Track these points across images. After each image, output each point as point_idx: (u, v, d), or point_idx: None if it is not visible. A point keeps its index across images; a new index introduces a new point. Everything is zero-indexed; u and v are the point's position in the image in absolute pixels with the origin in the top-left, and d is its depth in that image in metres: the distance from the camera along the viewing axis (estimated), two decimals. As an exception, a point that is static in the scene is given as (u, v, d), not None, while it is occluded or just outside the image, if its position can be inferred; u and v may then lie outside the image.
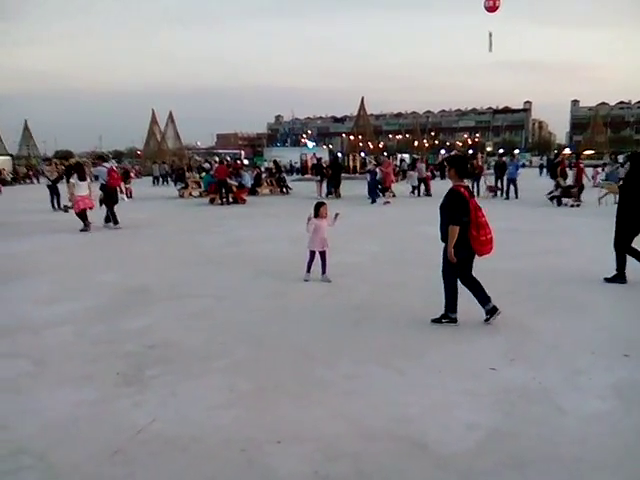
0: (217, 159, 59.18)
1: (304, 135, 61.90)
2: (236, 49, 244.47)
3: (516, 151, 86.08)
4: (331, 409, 3.51)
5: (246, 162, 52.45)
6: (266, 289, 6.74)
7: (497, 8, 30.52)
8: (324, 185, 21.53)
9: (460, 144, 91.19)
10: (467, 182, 5.35)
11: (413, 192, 21.64)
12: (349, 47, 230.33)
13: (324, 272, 6.99)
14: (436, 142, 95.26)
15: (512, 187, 18.98)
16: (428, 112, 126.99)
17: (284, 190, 23.84)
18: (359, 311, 5.70)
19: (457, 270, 5.02)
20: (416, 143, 71.60)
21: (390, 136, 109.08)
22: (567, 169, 18.17)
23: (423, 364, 4.25)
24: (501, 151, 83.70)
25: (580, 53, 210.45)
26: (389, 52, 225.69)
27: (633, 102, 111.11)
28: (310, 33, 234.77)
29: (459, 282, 5.13)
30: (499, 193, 19.86)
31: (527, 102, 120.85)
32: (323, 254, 7.04)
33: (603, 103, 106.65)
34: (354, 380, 3.95)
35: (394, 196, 19.65)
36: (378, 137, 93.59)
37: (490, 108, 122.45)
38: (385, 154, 49.40)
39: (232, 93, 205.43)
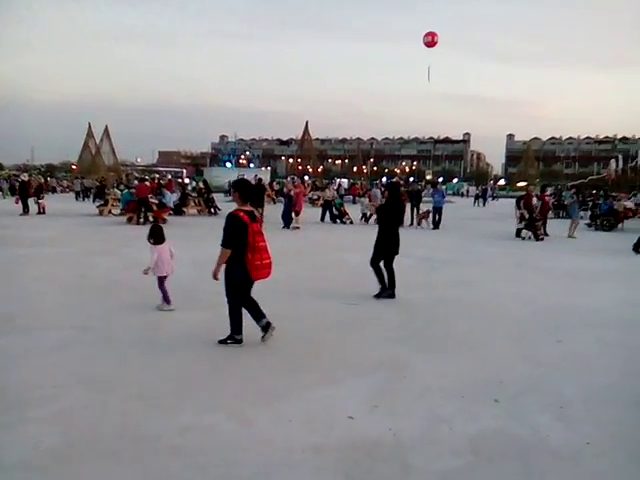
0: (157, 176, 57.69)
1: (242, 156, 61.29)
2: (184, 68, 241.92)
3: (454, 180, 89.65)
4: (145, 472, 2.98)
5: (187, 180, 51.27)
6: (139, 318, 6.15)
7: (435, 44, 31.66)
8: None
9: (398, 171, 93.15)
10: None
11: (362, 219, 20.20)
12: (298, 72, 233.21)
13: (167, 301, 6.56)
14: (376, 169, 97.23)
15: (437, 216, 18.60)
16: (372, 139, 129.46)
17: (212, 210, 23.14)
18: (227, 346, 5.18)
19: (238, 292, 5.10)
20: (356, 169, 72.58)
21: (336, 161, 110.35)
22: (534, 200, 17.23)
23: (276, 411, 3.78)
24: (440, 179, 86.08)
25: (517, 90, 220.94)
26: (337, 78, 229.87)
27: (564, 138, 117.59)
28: (260, 56, 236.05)
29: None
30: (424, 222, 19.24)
31: (466, 134, 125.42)
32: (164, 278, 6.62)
33: (536, 138, 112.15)
34: (188, 433, 3.44)
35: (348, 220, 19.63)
36: (322, 161, 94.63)
37: (431, 138, 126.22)
38: (325, 179, 49.55)
39: (178, 111, 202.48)
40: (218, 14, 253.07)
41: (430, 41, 31.51)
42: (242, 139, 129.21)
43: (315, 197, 33.74)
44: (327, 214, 20.34)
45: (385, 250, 7.35)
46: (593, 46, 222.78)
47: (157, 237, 6.58)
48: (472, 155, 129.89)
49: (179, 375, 4.43)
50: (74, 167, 61.51)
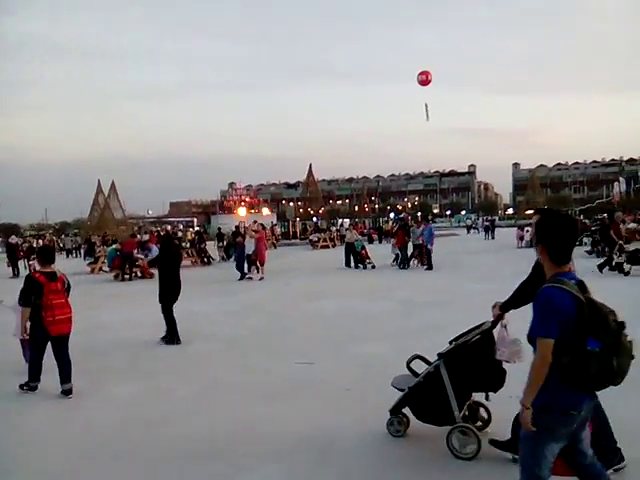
0: (168, 227, 57.82)
1: (242, 202, 61.62)
2: (190, 120, 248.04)
3: (462, 212, 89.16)
4: None
5: (197, 229, 51.16)
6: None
7: (429, 82, 31.89)
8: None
9: (400, 208, 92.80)
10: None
11: (396, 261, 18.03)
12: (301, 116, 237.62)
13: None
14: (388, 206, 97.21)
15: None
16: (378, 176, 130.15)
17: (205, 260, 22.85)
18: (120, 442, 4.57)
19: (38, 347, 5.57)
20: (366, 207, 72.56)
21: (345, 200, 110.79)
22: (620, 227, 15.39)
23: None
24: (448, 212, 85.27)
25: (520, 119, 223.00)
26: (341, 120, 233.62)
27: (570, 163, 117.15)
28: (264, 104, 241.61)
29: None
30: (414, 262, 17.89)
31: (471, 165, 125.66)
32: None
33: (542, 165, 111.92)
34: None
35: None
36: (328, 202, 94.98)
37: (437, 172, 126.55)
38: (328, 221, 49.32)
39: (187, 161, 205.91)
40: (214, 66, 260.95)
41: (424, 80, 31.68)
42: (250, 185, 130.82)
43: (315, 239, 33.45)
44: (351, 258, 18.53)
45: (163, 297, 7.97)
46: (593, 70, 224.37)
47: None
48: (479, 186, 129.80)
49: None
50: (89, 223, 62.15)
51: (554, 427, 2.44)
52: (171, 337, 7.86)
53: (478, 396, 4.02)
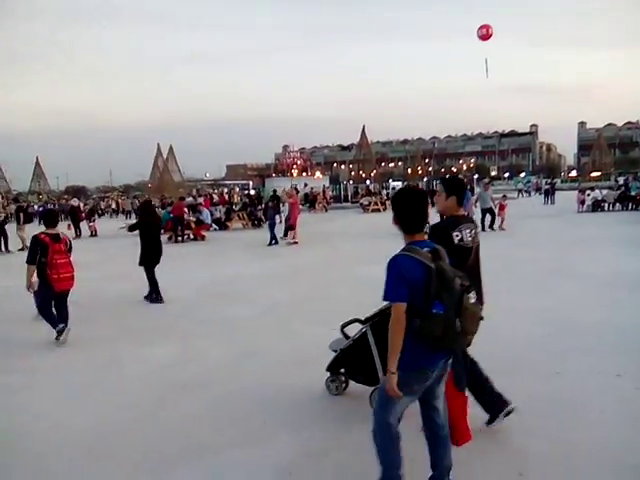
0: (225, 190, 58.81)
1: (294, 165, 61.53)
2: (248, 83, 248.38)
3: (522, 174, 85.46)
4: None
5: (252, 192, 51.71)
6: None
7: (490, 36, 30.35)
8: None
9: (455, 170, 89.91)
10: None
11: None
12: (356, 76, 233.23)
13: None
14: (442, 169, 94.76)
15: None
16: (434, 138, 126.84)
17: (256, 223, 23.10)
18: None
19: (47, 301, 6.19)
20: (419, 169, 71.08)
21: (398, 163, 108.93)
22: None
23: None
24: (506, 174, 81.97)
25: (585, 75, 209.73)
26: (397, 80, 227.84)
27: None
28: (319, 64, 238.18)
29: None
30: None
31: (533, 125, 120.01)
32: None
33: (610, 124, 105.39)
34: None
35: None
36: (382, 164, 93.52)
37: (496, 132, 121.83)
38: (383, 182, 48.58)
39: (244, 125, 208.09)
40: (269, 31, 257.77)
41: (485, 34, 30.25)
42: (304, 147, 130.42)
43: (366, 202, 33.08)
44: None
45: (143, 260, 8.42)
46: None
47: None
48: (541, 147, 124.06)
49: None
50: (150, 186, 64.04)
51: (410, 384, 2.66)
52: (155, 296, 8.40)
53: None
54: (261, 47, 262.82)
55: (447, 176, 4.19)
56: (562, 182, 69.74)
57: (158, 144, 58.20)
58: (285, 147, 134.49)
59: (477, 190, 32.56)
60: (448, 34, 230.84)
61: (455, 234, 3.40)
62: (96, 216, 24.69)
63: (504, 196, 18.92)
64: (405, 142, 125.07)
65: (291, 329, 6.60)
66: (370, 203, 32.54)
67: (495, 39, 31.11)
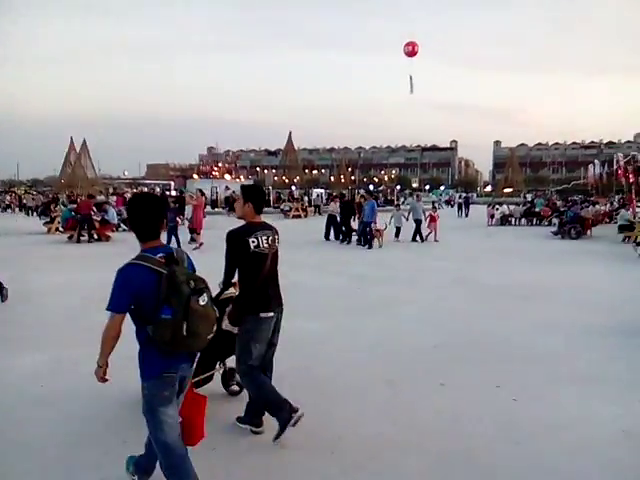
0: (145, 189, 56.53)
1: (214, 168, 60.52)
2: (168, 81, 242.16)
3: (442, 187, 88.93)
4: None
5: (173, 192, 49.97)
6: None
7: (416, 53, 31.13)
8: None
9: (377, 180, 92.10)
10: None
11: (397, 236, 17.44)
12: (285, 83, 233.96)
13: None
14: (364, 178, 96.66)
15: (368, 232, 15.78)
16: (360, 148, 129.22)
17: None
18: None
19: None
20: (342, 178, 71.89)
21: (322, 170, 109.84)
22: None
23: None
24: (427, 187, 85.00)
25: (502, 97, 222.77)
26: (326, 88, 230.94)
27: (550, 144, 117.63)
28: (247, 67, 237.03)
29: None
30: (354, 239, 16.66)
31: (453, 141, 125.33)
32: None
33: (522, 144, 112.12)
34: None
35: None
36: (310, 171, 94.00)
37: (419, 146, 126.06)
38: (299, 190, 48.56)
39: (167, 123, 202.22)
40: (201, 27, 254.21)
41: (410, 51, 30.96)
42: (229, 150, 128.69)
43: (287, 208, 32.92)
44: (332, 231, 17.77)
45: None
46: (576, 52, 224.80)
47: None
48: (460, 162, 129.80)
49: None
50: (62, 181, 60.35)
51: (157, 392, 2.63)
52: None
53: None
54: (193, 44, 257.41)
55: (246, 184, 4.18)
56: (478, 196, 73.51)
57: (71, 137, 54.77)
58: (210, 148, 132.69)
59: (409, 201, 33.40)
60: (379, 48, 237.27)
61: (251, 240, 3.44)
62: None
63: (434, 207, 19.27)
64: (332, 150, 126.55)
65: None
66: (291, 209, 32.44)
67: (421, 56, 32.15)
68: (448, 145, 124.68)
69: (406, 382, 4.79)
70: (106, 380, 2.68)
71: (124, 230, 21.09)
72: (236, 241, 3.46)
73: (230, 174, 61.75)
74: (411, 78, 31.30)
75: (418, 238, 17.31)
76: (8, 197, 44.27)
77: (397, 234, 17.42)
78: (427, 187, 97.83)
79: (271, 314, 3.55)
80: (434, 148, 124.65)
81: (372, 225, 15.71)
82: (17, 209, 40.84)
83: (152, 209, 2.70)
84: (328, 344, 5.96)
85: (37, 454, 3.48)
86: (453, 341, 6.02)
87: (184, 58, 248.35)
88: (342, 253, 14.59)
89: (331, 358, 5.45)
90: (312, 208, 36.14)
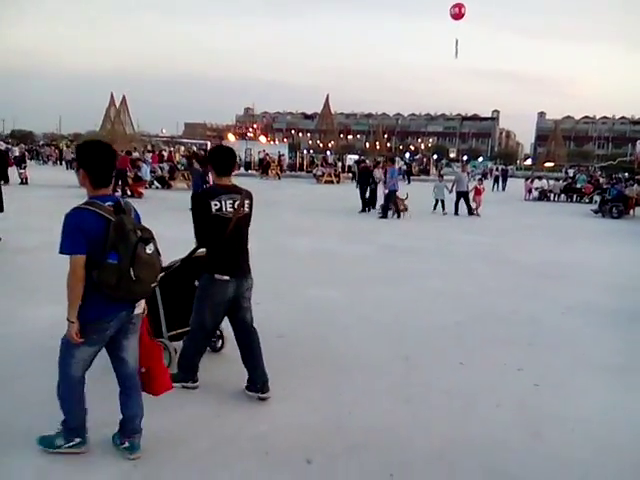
0: (182, 148, 56.93)
1: (249, 129, 60.01)
2: (214, 41, 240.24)
3: (480, 159, 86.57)
4: None
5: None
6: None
7: (462, 15, 29.95)
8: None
9: (413, 149, 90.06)
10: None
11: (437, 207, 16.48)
12: (327, 45, 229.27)
13: None
14: (400, 146, 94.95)
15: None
16: (398, 114, 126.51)
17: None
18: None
19: None
20: (377, 144, 70.74)
21: (358, 136, 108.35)
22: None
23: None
24: (465, 157, 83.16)
25: (550, 66, 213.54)
26: (366, 52, 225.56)
27: (597, 117, 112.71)
28: (291, 31, 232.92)
29: None
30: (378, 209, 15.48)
31: (495, 111, 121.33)
32: None
33: (568, 117, 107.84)
34: None
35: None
36: (345, 136, 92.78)
37: (459, 114, 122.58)
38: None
39: (206, 82, 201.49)
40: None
41: (457, 13, 29.85)
42: (266, 112, 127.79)
43: (319, 173, 32.61)
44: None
45: None
46: (628, 24, 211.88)
47: None
48: (501, 133, 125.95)
49: None
50: (102, 136, 61.23)
51: (88, 334, 2.70)
52: None
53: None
54: (231, 7, 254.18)
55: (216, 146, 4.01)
56: (517, 170, 70.93)
57: (112, 93, 55.22)
58: (247, 109, 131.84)
59: (453, 171, 32.03)
60: (422, 11, 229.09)
61: (214, 203, 3.41)
62: (27, 162, 23.18)
63: (480, 180, 18.48)
64: (369, 116, 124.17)
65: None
66: (324, 174, 32.11)
67: (467, 21, 30.76)
68: (489, 115, 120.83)
69: (423, 359, 4.61)
70: (81, 340, 2.69)
71: (157, 188, 21.38)
72: (198, 203, 3.47)
73: (266, 136, 61.24)
74: (457, 42, 30.19)
75: (466, 211, 16.27)
76: (49, 150, 45.13)
77: (438, 206, 16.43)
78: (465, 157, 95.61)
79: (226, 278, 3.50)
80: (474, 117, 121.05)
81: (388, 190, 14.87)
82: (58, 162, 41.65)
83: (107, 157, 2.75)
84: (347, 314, 5.82)
85: (36, 408, 3.46)
86: (477, 318, 5.79)
87: (225, 20, 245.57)
88: (370, 222, 14.31)
89: (348, 329, 5.31)
90: (348, 174, 35.51)
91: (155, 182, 21.95)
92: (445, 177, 19.43)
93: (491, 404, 3.81)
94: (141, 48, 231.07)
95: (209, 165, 3.71)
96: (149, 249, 2.71)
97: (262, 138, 55.80)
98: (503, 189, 32.68)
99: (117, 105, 55.41)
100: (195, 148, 62.88)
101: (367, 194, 16.22)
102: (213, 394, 3.75)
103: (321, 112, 62.73)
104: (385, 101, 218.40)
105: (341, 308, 6.02)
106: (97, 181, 2.72)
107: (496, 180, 34.80)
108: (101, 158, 2.72)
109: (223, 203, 3.43)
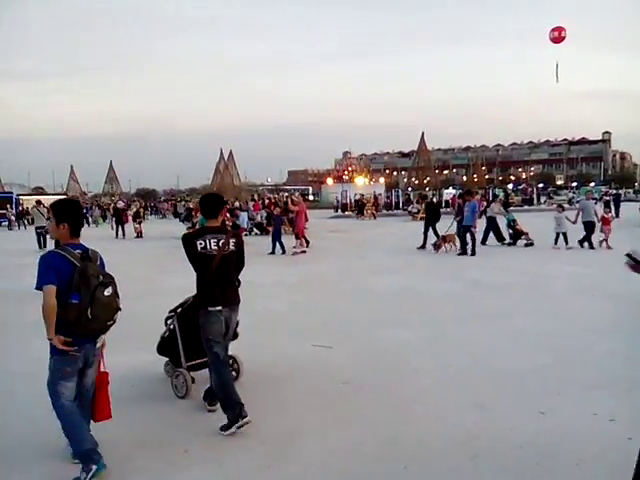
0: (286, 194, 59.86)
1: (345, 172, 60.89)
2: (312, 88, 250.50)
3: (591, 184, 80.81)
4: None
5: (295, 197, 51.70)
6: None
7: (563, 39, 29.06)
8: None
9: (514, 179, 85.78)
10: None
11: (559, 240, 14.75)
12: (420, 82, 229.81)
13: None
14: (500, 177, 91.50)
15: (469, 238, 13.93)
16: (498, 145, 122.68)
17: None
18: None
19: None
20: (475, 177, 68.91)
21: (455, 170, 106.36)
22: None
23: None
24: (574, 183, 77.93)
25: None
26: (459, 85, 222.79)
27: None
28: (382, 70, 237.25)
29: None
30: (448, 246, 14.64)
31: (606, 132, 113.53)
32: None
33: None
34: None
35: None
36: (442, 171, 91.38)
37: (565, 139, 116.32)
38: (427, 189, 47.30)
39: (307, 130, 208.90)
40: (333, 36, 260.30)
41: (557, 36, 29.03)
42: (364, 154, 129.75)
43: (415, 210, 32.17)
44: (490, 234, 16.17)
45: None
46: None
47: None
48: (614, 155, 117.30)
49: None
50: (214, 189, 65.65)
51: (60, 367, 3.16)
52: None
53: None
54: (325, 52, 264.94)
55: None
56: (635, 193, 64.84)
57: (221, 149, 60.36)
58: (345, 153, 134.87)
59: (579, 198, 30.13)
60: (514, 38, 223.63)
61: (199, 242, 3.79)
62: (142, 218, 25.23)
63: (607, 207, 16.82)
64: (467, 149, 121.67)
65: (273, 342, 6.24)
66: (419, 211, 31.61)
67: (566, 42, 29.61)
68: (599, 137, 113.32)
69: (499, 407, 4.26)
70: (70, 345, 3.09)
71: (256, 234, 22.24)
72: (186, 243, 3.84)
73: (364, 177, 62.06)
74: (557, 65, 29.06)
75: (586, 244, 14.52)
76: (166, 205, 48.91)
77: (559, 240, 14.65)
78: (574, 184, 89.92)
79: (219, 307, 3.83)
80: (583, 141, 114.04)
81: (472, 230, 13.88)
82: (172, 216, 44.82)
83: (78, 212, 3.34)
84: (419, 356, 5.56)
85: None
86: (565, 360, 5.28)
87: (318, 67, 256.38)
88: (447, 257, 13.77)
89: (418, 373, 5.06)
90: (446, 209, 34.73)
91: (254, 228, 22.91)
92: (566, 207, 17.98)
93: (575, 457, 3.40)
94: (241, 103, 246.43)
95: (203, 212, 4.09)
96: (107, 292, 3.15)
97: (358, 179, 56.57)
98: (616, 215, 30.08)
99: (226, 159, 59.69)
100: (297, 193, 65.24)
101: (425, 231, 15.70)
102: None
103: (417, 149, 62.57)
104: (484, 133, 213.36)
105: (414, 350, 5.78)
106: (73, 231, 3.22)
107: (606, 205, 32.14)
108: (74, 213, 3.27)
109: (207, 242, 3.80)
